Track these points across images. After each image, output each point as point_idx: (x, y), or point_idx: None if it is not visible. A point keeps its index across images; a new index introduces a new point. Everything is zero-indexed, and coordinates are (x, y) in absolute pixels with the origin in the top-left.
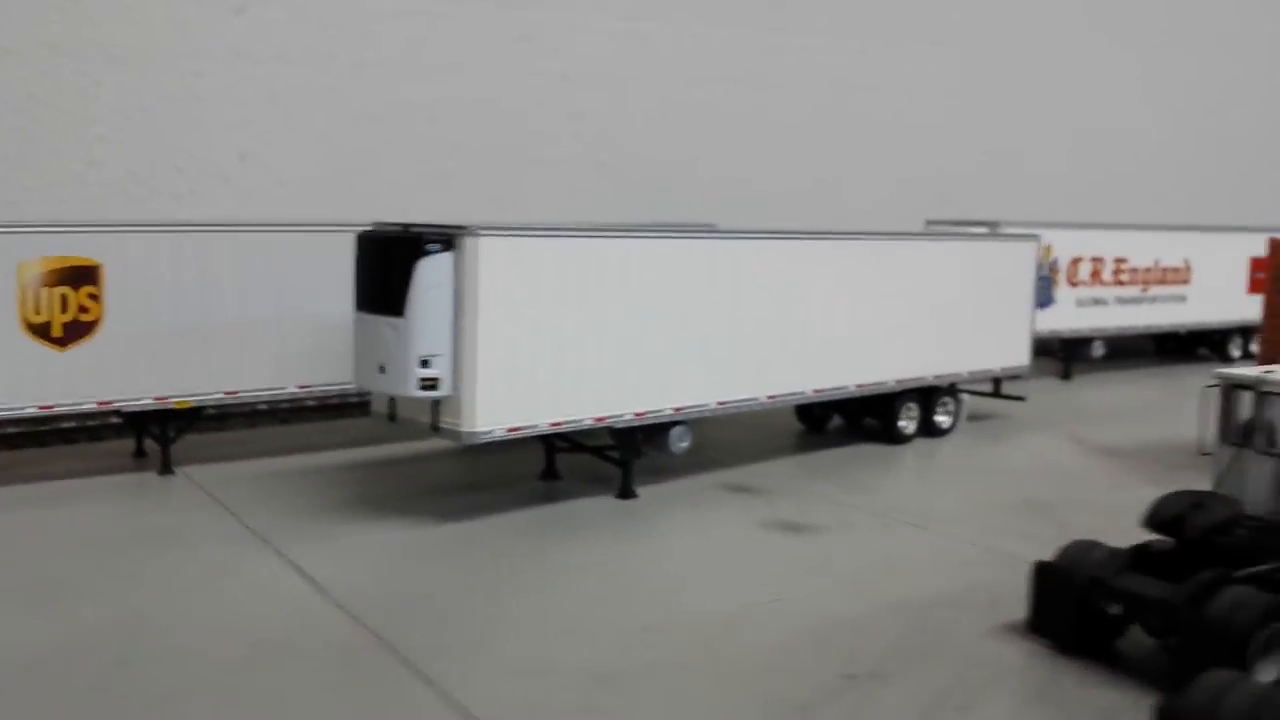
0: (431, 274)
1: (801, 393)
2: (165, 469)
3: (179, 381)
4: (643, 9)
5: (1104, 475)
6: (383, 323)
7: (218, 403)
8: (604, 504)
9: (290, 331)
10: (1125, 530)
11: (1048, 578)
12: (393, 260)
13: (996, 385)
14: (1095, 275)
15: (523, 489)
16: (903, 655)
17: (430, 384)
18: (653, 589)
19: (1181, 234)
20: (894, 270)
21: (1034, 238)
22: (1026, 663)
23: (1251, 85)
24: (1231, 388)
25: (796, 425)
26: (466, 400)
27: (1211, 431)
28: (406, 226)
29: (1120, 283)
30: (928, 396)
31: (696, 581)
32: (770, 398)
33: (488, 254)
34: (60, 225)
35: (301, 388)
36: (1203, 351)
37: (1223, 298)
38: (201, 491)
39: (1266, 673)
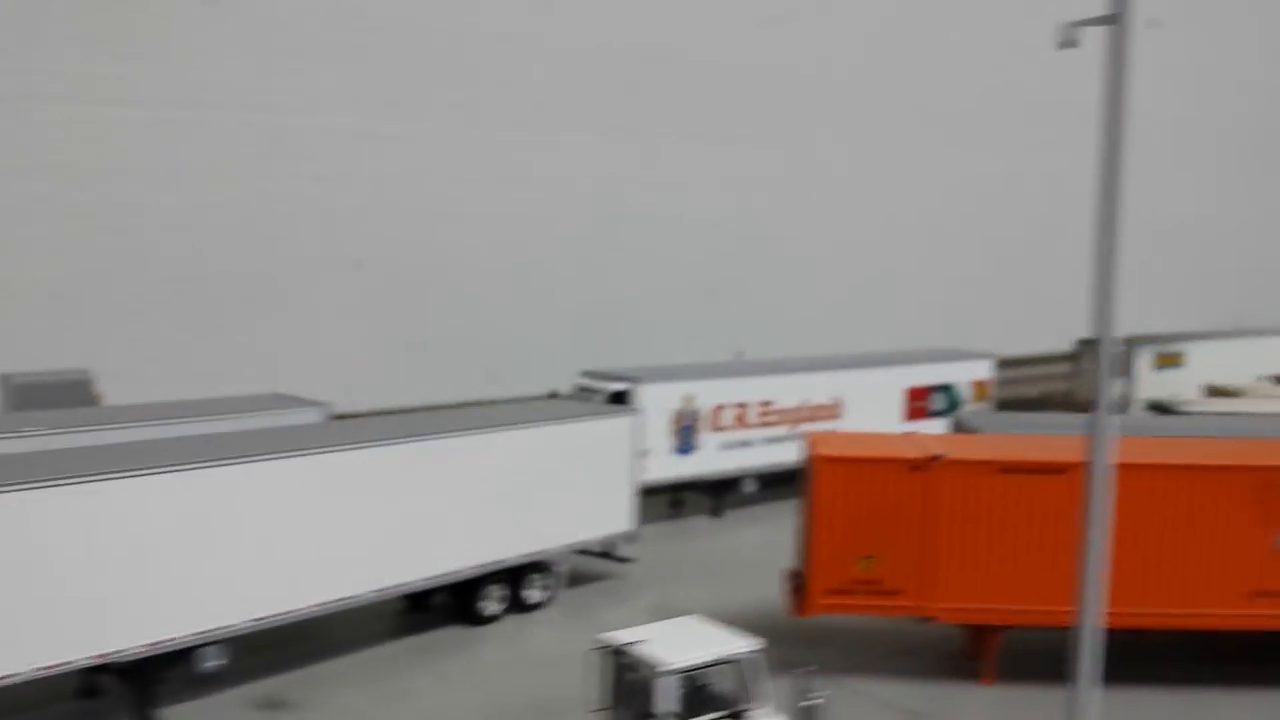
0: None
1: (358, 595)
2: None
3: None
4: (403, 109)
5: None
6: None
7: None
8: None
9: None
10: None
11: None
12: None
13: (610, 549)
14: (740, 419)
15: (56, 709)
16: None
17: None
18: None
19: (829, 373)
20: (466, 463)
21: (634, 411)
22: None
23: (907, 224)
24: (609, 652)
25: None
26: None
27: (597, 691)
28: None
29: (767, 423)
30: (518, 575)
31: None
32: (314, 606)
33: None
34: None
35: None
36: None
37: (879, 427)
38: None
39: None
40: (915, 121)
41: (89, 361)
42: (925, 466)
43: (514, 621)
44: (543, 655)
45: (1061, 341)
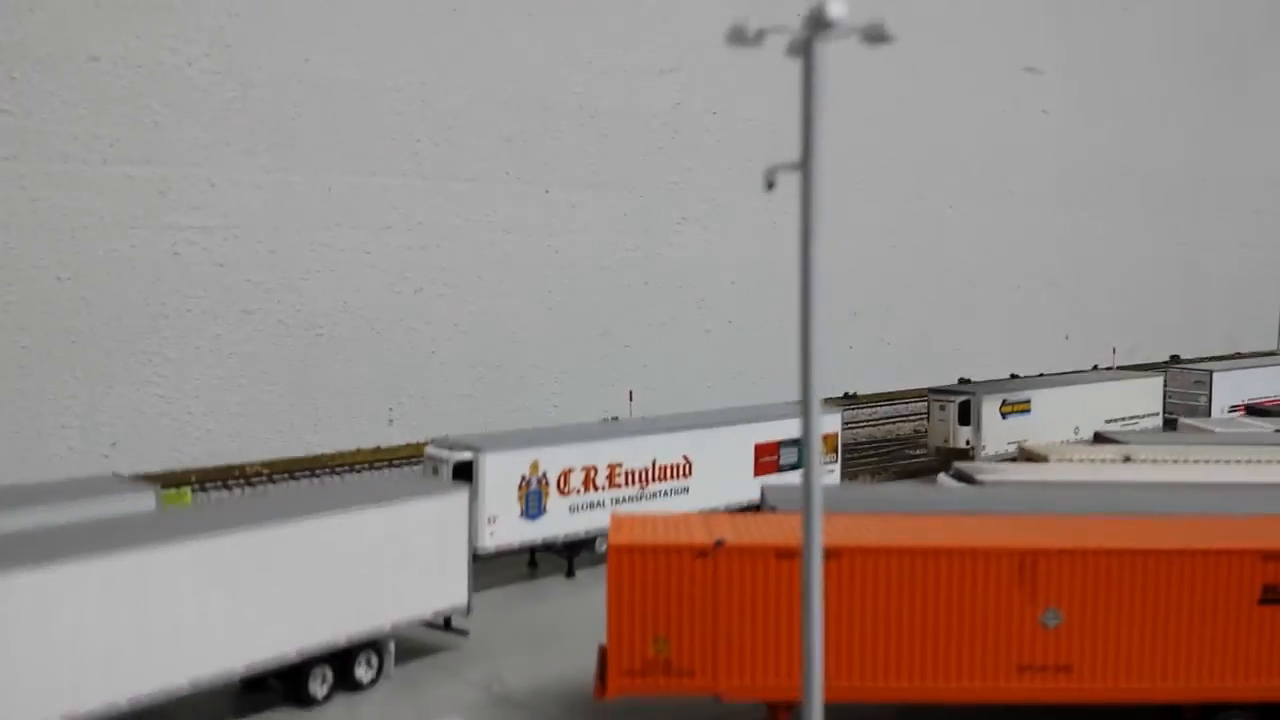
0: None
1: (175, 685)
2: None
3: None
4: (289, 160)
5: None
6: None
7: None
8: None
9: None
10: None
11: None
12: None
13: (447, 622)
14: (588, 482)
15: None
16: None
17: None
18: None
19: (676, 434)
20: (293, 549)
21: (464, 488)
22: None
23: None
24: None
25: None
26: None
27: None
28: None
29: (615, 485)
30: (347, 655)
31: None
32: (132, 700)
33: None
34: None
35: None
36: None
37: (729, 482)
38: None
39: None
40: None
41: None
42: (709, 553)
43: (343, 701)
44: None
45: (949, 378)
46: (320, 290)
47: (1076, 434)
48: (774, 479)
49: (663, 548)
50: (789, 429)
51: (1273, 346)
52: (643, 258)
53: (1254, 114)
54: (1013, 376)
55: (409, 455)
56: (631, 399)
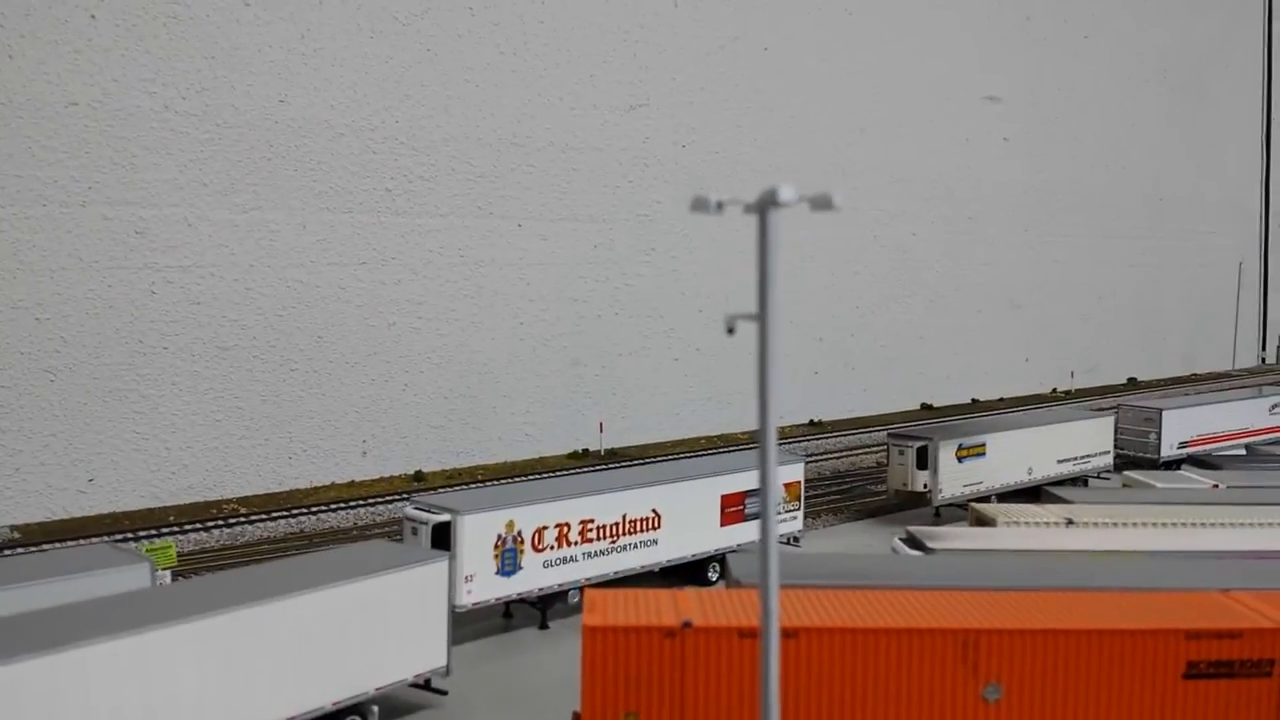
0: None
1: None
2: None
3: None
4: (265, 199)
5: None
6: None
7: None
8: None
9: None
10: None
11: None
12: None
13: (426, 683)
14: (562, 538)
15: None
16: None
17: None
18: None
19: (645, 489)
20: (280, 623)
21: (444, 556)
22: None
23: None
24: None
25: None
26: None
27: None
28: None
29: (588, 540)
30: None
31: None
32: None
33: None
34: None
35: None
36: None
37: (697, 534)
38: None
39: None
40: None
41: None
42: (676, 634)
43: None
44: None
45: (912, 402)
46: (295, 326)
47: (1030, 474)
48: (740, 529)
49: (633, 628)
50: (754, 480)
51: (1229, 366)
52: (612, 289)
53: (1206, 138)
54: (974, 401)
55: (383, 491)
56: (602, 430)
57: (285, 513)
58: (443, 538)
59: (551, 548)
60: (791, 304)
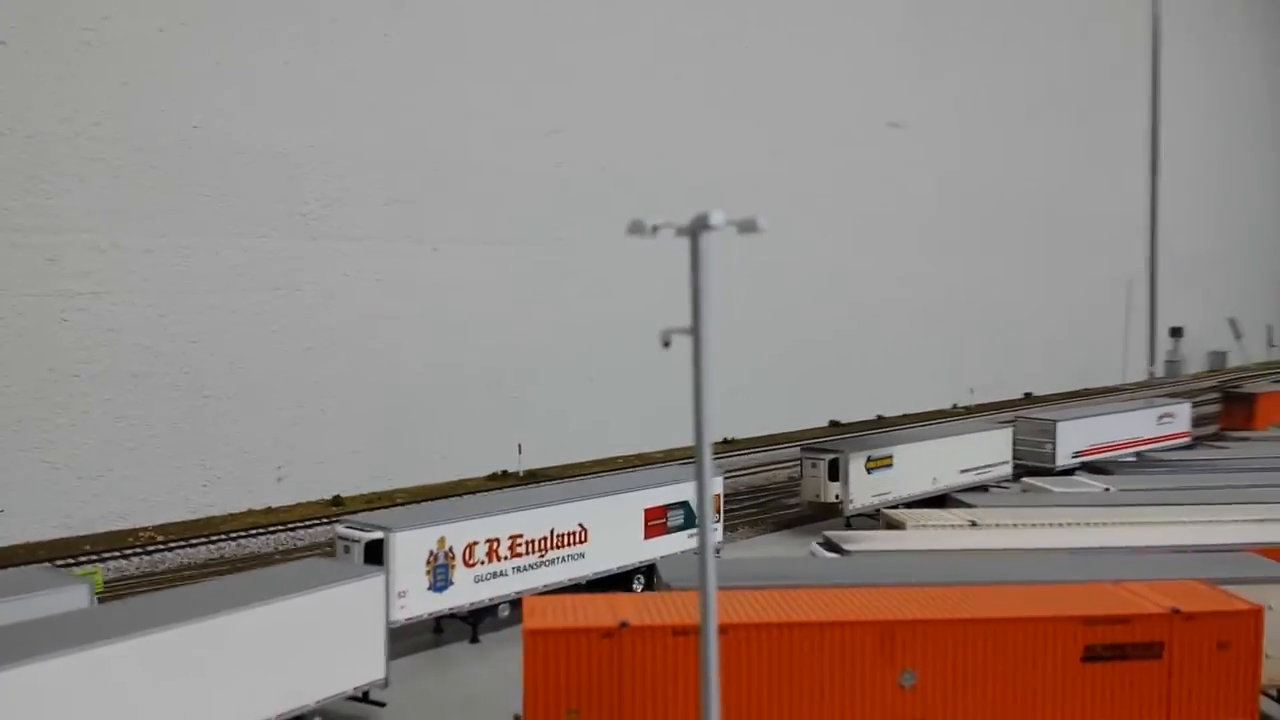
0: None
1: None
2: None
3: None
4: (179, 225)
5: None
6: None
7: None
8: None
9: None
10: None
11: None
12: None
13: (365, 695)
14: (492, 553)
15: None
16: None
17: None
18: None
19: (571, 504)
20: (225, 638)
21: (380, 573)
22: None
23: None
24: None
25: None
26: None
27: None
28: None
29: (517, 555)
30: None
31: None
32: None
33: None
34: None
35: None
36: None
37: (622, 546)
38: None
39: None
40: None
41: None
42: (614, 634)
43: None
44: None
45: (820, 419)
46: (209, 352)
47: (934, 483)
48: (663, 540)
49: (573, 630)
50: (676, 493)
51: (1120, 380)
52: (531, 311)
53: (1098, 159)
54: (879, 418)
55: (302, 516)
56: (521, 451)
57: (204, 539)
58: (375, 555)
59: (482, 563)
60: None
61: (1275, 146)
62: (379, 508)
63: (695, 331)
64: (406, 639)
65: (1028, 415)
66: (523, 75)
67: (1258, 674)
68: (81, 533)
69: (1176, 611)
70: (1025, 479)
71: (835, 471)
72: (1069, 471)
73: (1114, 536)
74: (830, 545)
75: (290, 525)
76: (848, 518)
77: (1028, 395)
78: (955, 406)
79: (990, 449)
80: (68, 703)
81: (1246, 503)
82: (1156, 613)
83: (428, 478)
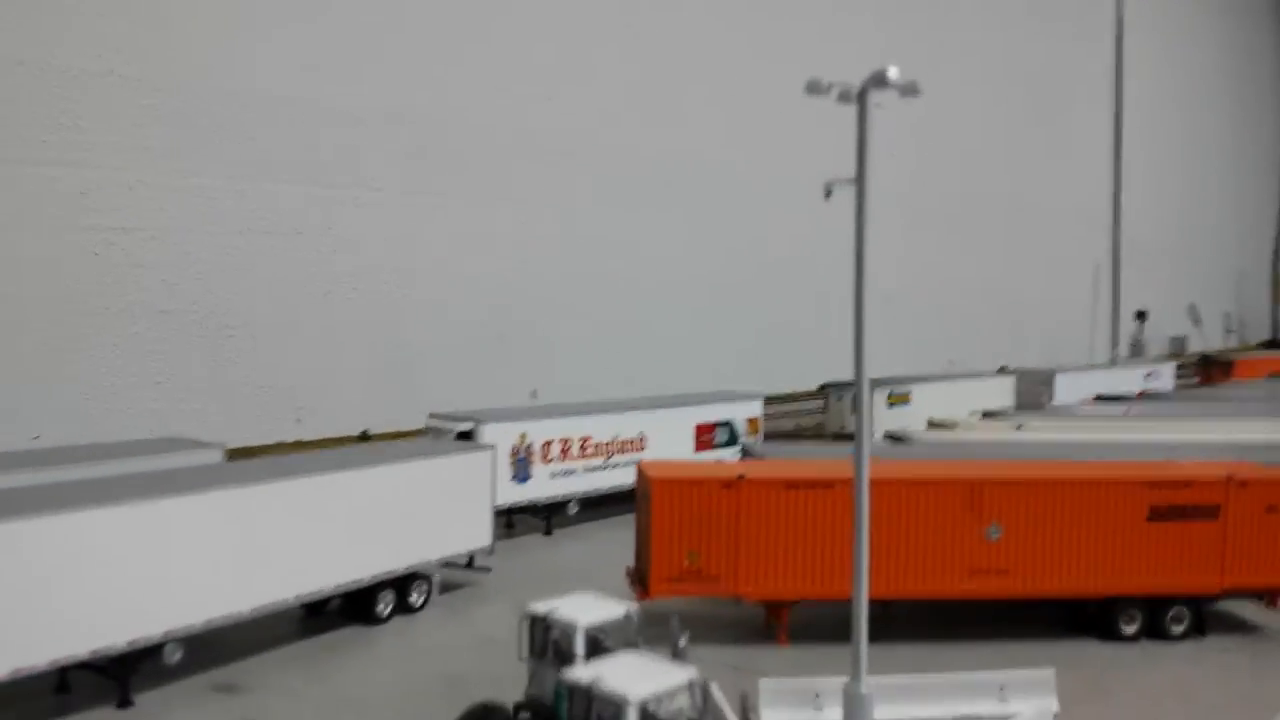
0: None
1: (283, 600)
2: None
3: None
4: (204, 166)
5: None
6: None
7: None
8: (103, 714)
9: None
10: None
11: None
12: None
13: (470, 561)
14: (565, 452)
15: (34, 705)
16: None
17: None
18: None
19: (635, 413)
20: (357, 492)
21: (489, 449)
22: None
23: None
24: (533, 618)
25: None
26: None
27: (525, 646)
28: None
29: (586, 455)
30: (403, 582)
31: None
32: (254, 609)
33: None
34: None
35: None
36: None
37: (675, 454)
38: None
39: None
40: (689, 192)
41: None
42: (733, 484)
43: (400, 621)
44: (431, 644)
45: (809, 383)
46: (233, 292)
47: None
48: (709, 455)
49: (697, 480)
50: (723, 412)
51: (1087, 361)
52: (534, 268)
53: (1063, 149)
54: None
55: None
56: (535, 396)
57: None
58: None
59: (557, 460)
60: (724, 297)
61: (1235, 140)
62: None
63: (859, 184)
64: None
65: (1027, 368)
66: (528, 41)
67: None
68: None
69: (1231, 477)
70: (1049, 405)
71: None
72: None
73: (1153, 435)
74: (894, 438)
75: None
76: None
77: (1002, 369)
78: None
79: (996, 393)
80: (213, 537)
81: (1261, 417)
82: (1214, 478)
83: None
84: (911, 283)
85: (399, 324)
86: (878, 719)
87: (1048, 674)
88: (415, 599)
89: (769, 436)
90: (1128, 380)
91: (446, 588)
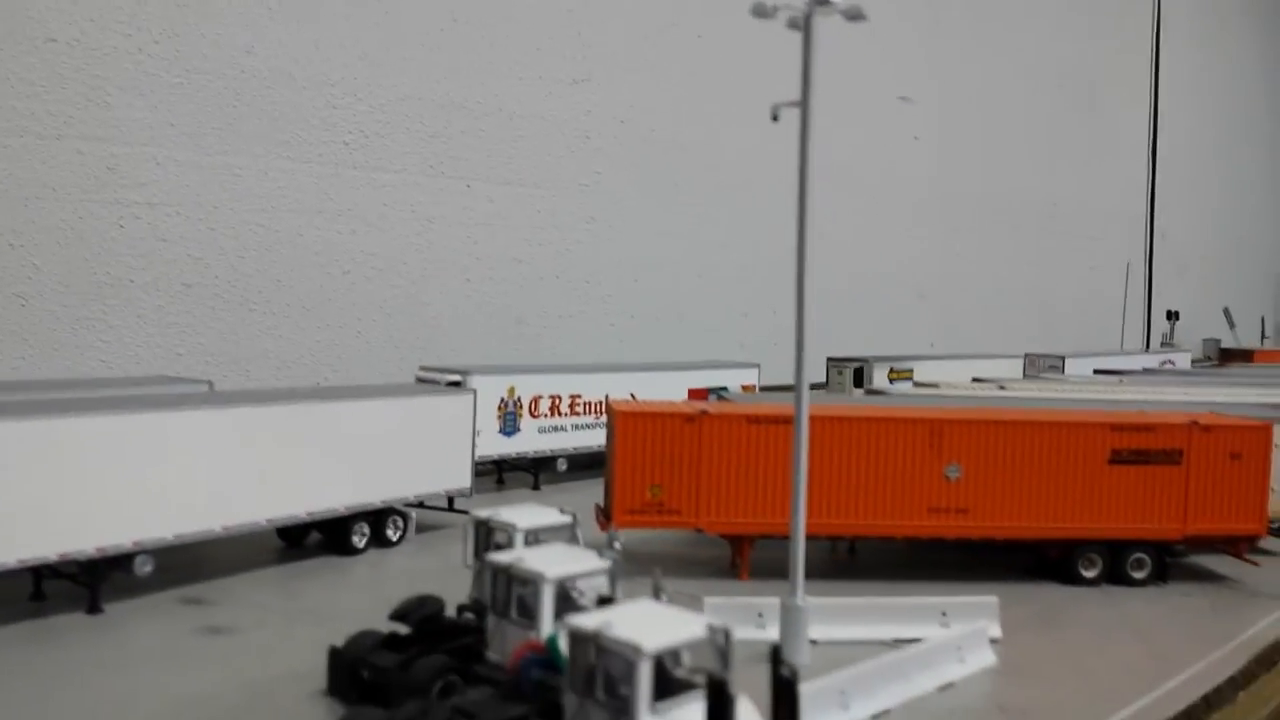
0: None
1: (255, 522)
2: None
3: None
4: (230, 144)
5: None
6: None
7: None
8: (73, 618)
9: None
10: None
11: (335, 657)
12: None
13: (450, 502)
14: (554, 408)
15: (8, 610)
16: (236, 715)
17: None
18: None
19: (627, 374)
20: (336, 424)
21: (472, 392)
22: (325, 713)
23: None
24: (478, 523)
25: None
26: None
27: (470, 551)
28: None
29: (576, 413)
30: (379, 517)
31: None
32: (226, 528)
33: None
34: None
35: None
36: None
37: None
38: None
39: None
40: (696, 174)
41: None
42: (696, 419)
43: (376, 553)
44: (404, 571)
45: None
46: (254, 268)
47: None
48: None
49: (660, 414)
50: (715, 378)
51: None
52: (554, 253)
53: (1097, 150)
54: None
55: None
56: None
57: None
58: None
59: (545, 415)
60: (725, 286)
61: (1273, 144)
62: None
63: (804, 104)
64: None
65: (1036, 353)
66: (551, 25)
67: (1266, 484)
68: None
69: (1195, 423)
70: (1043, 374)
71: (860, 379)
72: None
73: (1136, 396)
74: (871, 392)
75: None
76: None
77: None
78: None
79: (1004, 372)
80: (188, 455)
81: (1257, 384)
82: (1177, 422)
83: None
84: (944, 276)
85: (419, 303)
86: (820, 639)
87: (990, 600)
88: (391, 534)
89: None
90: (1141, 364)
91: (424, 527)
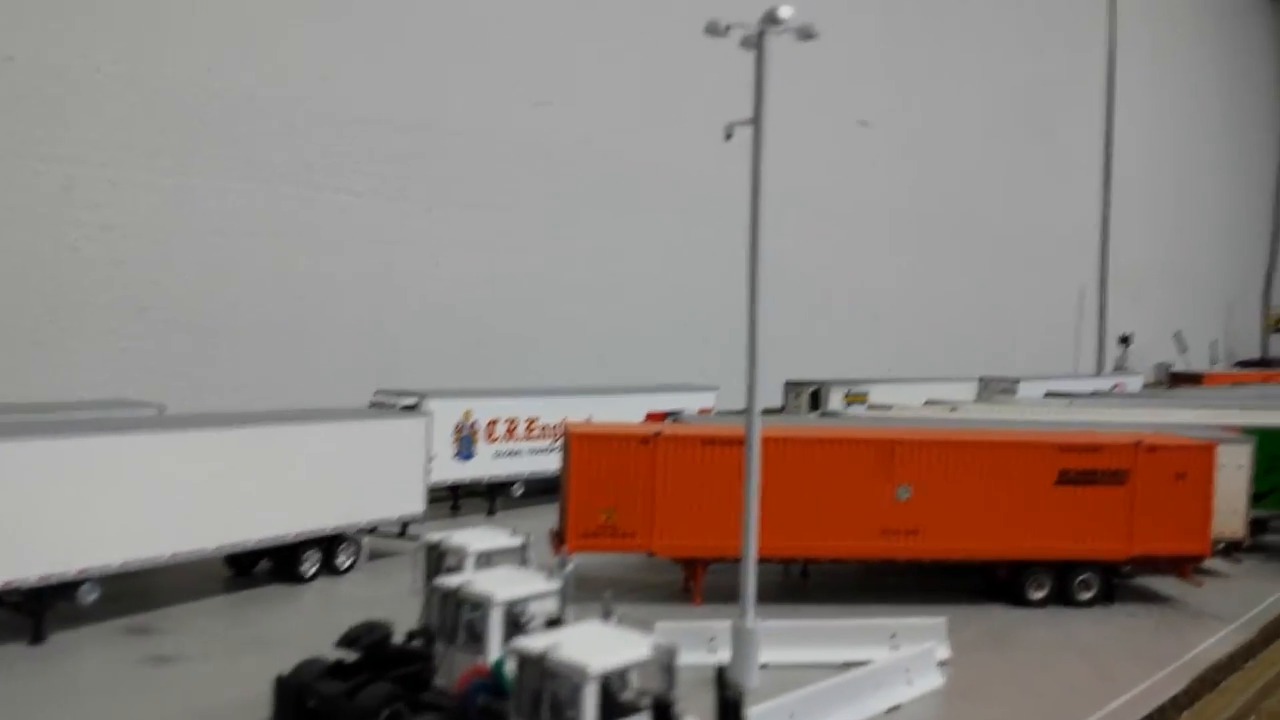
0: None
1: (203, 549)
2: None
3: None
4: (188, 165)
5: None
6: None
7: None
8: (16, 649)
9: None
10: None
11: (280, 685)
12: None
13: (403, 529)
14: (510, 432)
15: None
16: None
17: None
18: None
19: (585, 397)
20: (287, 448)
21: (426, 415)
22: None
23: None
24: (429, 547)
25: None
26: None
27: (420, 576)
28: None
29: (533, 437)
30: (330, 543)
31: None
32: (174, 555)
33: None
34: None
35: None
36: None
37: None
38: None
39: None
40: (657, 198)
41: None
42: (650, 440)
43: (326, 581)
44: (355, 598)
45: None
46: (210, 290)
47: None
48: None
49: (615, 436)
50: (674, 402)
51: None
52: (513, 276)
53: (1052, 174)
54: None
55: None
56: None
57: None
58: None
59: (501, 439)
60: (686, 309)
61: (1226, 171)
62: None
63: (756, 122)
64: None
65: (991, 376)
66: (513, 47)
67: (1210, 504)
68: None
69: (1140, 443)
70: (997, 395)
71: (816, 401)
72: None
73: (1085, 417)
74: (826, 414)
75: None
76: None
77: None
78: None
79: (957, 395)
80: (135, 480)
81: (1204, 406)
82: (1123, 443)
83: None
84: (901, 299)
85: (380, 327)
86: (770, 662)
87: (939, 622)
88: (342, 561)
89: None
90: (1094, 388)
91: (377, 554)
